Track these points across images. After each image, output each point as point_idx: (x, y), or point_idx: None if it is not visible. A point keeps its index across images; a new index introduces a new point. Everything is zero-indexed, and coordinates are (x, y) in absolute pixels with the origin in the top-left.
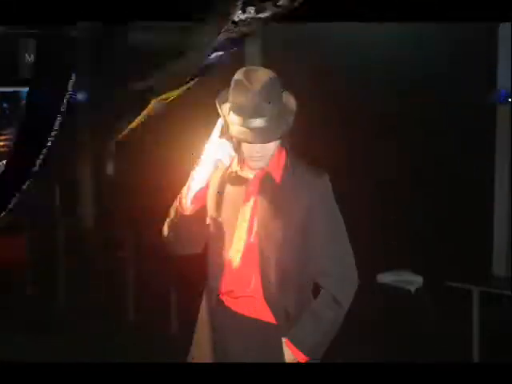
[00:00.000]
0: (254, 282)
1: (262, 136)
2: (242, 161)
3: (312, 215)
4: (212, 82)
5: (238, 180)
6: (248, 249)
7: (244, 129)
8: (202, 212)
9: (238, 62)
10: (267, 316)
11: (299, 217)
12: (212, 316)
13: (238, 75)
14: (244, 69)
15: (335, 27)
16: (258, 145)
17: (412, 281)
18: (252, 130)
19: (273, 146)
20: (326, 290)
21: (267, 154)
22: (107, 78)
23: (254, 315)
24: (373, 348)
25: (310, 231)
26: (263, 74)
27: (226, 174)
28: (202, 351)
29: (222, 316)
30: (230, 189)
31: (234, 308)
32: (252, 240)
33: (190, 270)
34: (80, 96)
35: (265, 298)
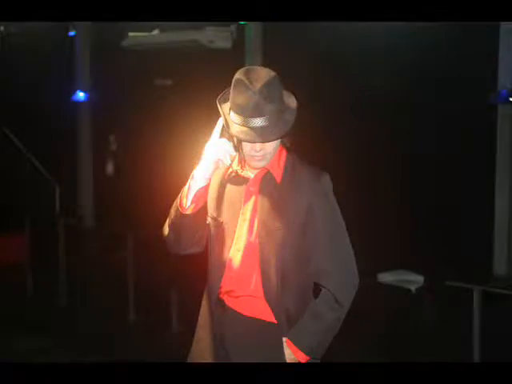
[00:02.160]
0: (255, 282)
1: (262, 135)
2: (242, 160)
3: (312, 215)
4: (212, 82)
5: (238, 179)
6: (248, 248)
7: (244, 128)
8: (202, 212)
9: (239, 62)
10: (268, 316)
11: (299, 216)
12: (212, 315)
13: (239, 75)
14: (244, 68)
15: (335, 27)
16: (259, 144)
17: (412, 280)
18: (252, 129)
19: (273, 146)
20: (327, 290)
21: (268, 154)
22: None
23: (254, 315)
24: (372, 348)
25: (310, 231)
26: (264, 74)
27: (227, 173)
28: (202, 351)
29: (223, 315)
30: (230, 188)
31: (234, 307)
32: (252, 239)
33: (190, 269)
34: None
35: (265, 298)
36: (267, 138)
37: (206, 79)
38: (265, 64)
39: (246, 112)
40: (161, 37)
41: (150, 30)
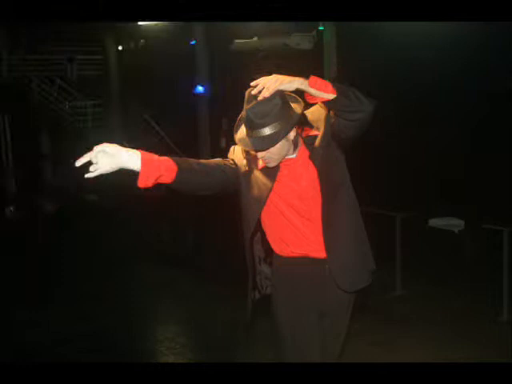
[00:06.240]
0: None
1: (255, 145)
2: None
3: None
4: (298, 75)
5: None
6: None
7: (244, 138)
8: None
9: (318, 58)
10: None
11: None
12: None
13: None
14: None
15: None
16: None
17: (456, 224)
18: (249, 139)
19: (276, 150)
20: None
21: (272, 158)
22: None
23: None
24: (373, 347)
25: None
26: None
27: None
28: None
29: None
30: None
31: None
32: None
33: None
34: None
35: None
36: (261, 147)
37: (294, 72)
38: (338, 59)
39: (245, 125)
40: (260, 42)
41: (250, 38)
